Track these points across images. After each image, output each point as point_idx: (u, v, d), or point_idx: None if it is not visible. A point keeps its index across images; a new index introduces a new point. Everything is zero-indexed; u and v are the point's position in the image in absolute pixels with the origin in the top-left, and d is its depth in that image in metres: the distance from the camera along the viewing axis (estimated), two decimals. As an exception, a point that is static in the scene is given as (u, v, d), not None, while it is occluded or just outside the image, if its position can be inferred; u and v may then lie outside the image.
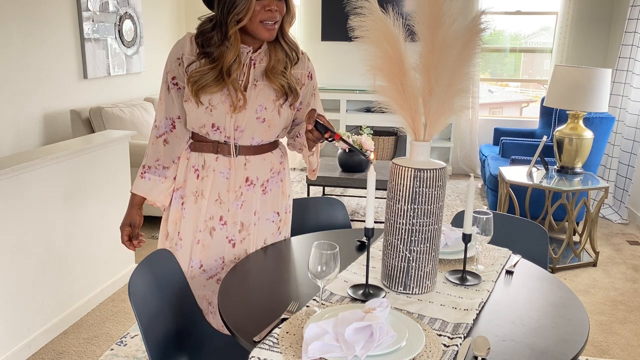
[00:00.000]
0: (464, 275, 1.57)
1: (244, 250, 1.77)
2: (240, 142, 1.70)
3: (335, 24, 5.86)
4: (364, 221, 2.55)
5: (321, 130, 1.56)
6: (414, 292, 1.47)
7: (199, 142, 1.74)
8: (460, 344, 1.24)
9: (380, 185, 3.92)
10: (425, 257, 1.46)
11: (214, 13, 1.63)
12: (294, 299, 1.44)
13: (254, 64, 1.67)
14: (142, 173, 1.77)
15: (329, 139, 1.57)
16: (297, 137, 1.77)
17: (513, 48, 6.01)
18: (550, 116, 4.89)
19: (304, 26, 5.99)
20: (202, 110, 1.64)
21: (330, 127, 1.57)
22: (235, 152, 1.71)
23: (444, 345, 1.23)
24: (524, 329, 1.33)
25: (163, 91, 1.73)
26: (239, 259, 1.76)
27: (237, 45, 1.60)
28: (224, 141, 1.70)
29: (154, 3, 5.43)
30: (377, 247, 1.78)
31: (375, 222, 2.12)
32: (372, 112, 5.71)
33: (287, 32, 1.68)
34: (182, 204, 1.76)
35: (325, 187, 5.00)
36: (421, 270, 1.46)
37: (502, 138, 4.84)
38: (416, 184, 1.40)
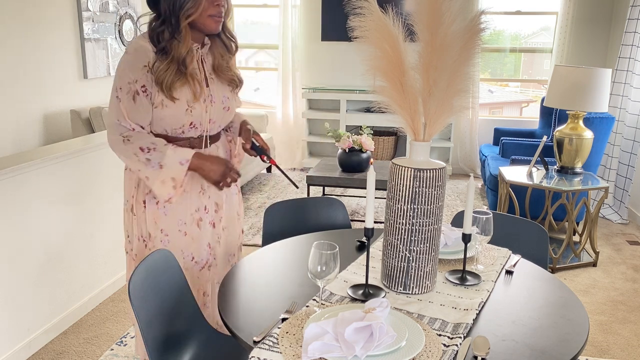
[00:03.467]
0: (463, 275, 1.57)
1: (222, 227, 1.87)
2: (212, 132, 1.80)
3: (335, 24, 5.86)
4: (364, 221, 2.55)
5: (257, 151, 1.81)
6: (413, 292, 1.47)
7: (170, 142, 1.71)
8: (460, 344, 1.24)
9: (380, 185, 3.92)
10: (425, 257, 1.46)
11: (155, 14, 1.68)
12: (294, 299, 1.44)
13: (204, 60, 1.75)
14: (146, 160, 1.64)
15: (264, 161, 1.82)
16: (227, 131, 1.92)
17: (513, 48, 6.00)
18: (550, 116, 4.89)
19: (304, 26, 5.99)
20: (182, 112, 1.67)
21: (266, 147, 1.82)
22: (208, 142, 1.80)
23: (444, 345, 1.23)
24: (524, 329, 1.33)
25: (125, 101, 1.67)
26: (220, 237, 1.86)
27: (188, 38, 1.66)
28: (198, 135, 1.76)
29: (154, 3, 5.42)
30: (377, 247, 1.78)
31: (375, 222, 2.13)
32: (372, 112, 5.70)
33: (226, 24, 1.78)
34: (157, 202, 1.76)
35: (325, 187, 5.00)
36: (421, 270, 1.46)
37: (502, 138, 4.84)
38: (416, 184, 1.41)
